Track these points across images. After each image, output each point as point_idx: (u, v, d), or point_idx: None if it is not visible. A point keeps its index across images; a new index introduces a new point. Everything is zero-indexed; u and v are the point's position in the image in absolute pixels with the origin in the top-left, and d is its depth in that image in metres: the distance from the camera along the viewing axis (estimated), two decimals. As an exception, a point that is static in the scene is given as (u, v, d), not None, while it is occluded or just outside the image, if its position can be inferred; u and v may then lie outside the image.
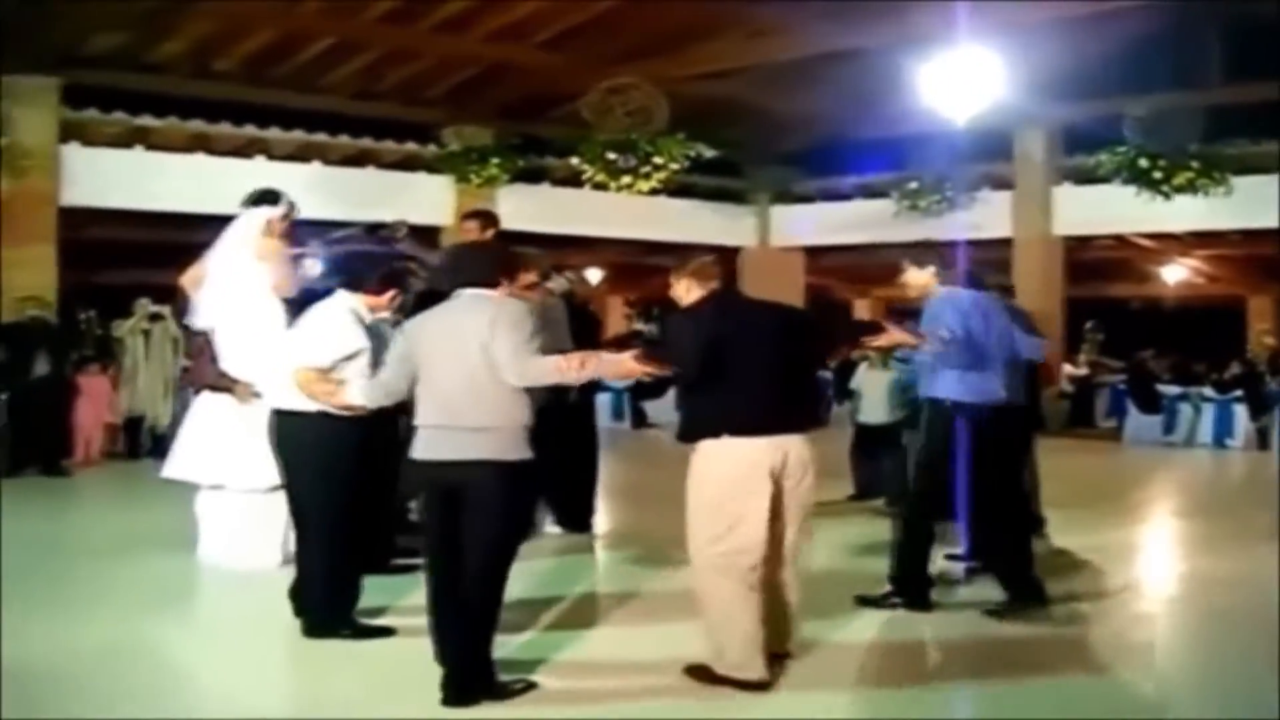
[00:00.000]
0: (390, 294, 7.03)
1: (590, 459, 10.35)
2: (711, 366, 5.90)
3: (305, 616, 6.96)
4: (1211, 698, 6.36)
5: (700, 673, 6.02)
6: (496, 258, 6.22)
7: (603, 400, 18.40)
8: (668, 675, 6.11)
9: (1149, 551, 10.84)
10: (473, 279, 5.87)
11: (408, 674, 6.15)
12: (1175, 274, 26.97)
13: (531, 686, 5.92)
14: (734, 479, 5.92)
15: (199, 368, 9.28)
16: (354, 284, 6.98)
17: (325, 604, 6.92)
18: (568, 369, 5.67)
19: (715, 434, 5.94)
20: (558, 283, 9.88)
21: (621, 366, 5.92)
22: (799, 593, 6.28)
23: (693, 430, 6.09)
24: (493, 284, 5.84)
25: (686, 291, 6.17)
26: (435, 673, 5.74)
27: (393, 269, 7.28)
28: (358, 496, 6.90)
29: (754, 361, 5.95)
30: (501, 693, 5.78)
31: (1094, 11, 14.91)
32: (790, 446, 5.98)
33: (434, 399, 5.75)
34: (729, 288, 6.12)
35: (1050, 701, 6.07)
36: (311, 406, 6.71)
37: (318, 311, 6.96)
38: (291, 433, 6.95)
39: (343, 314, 6.85)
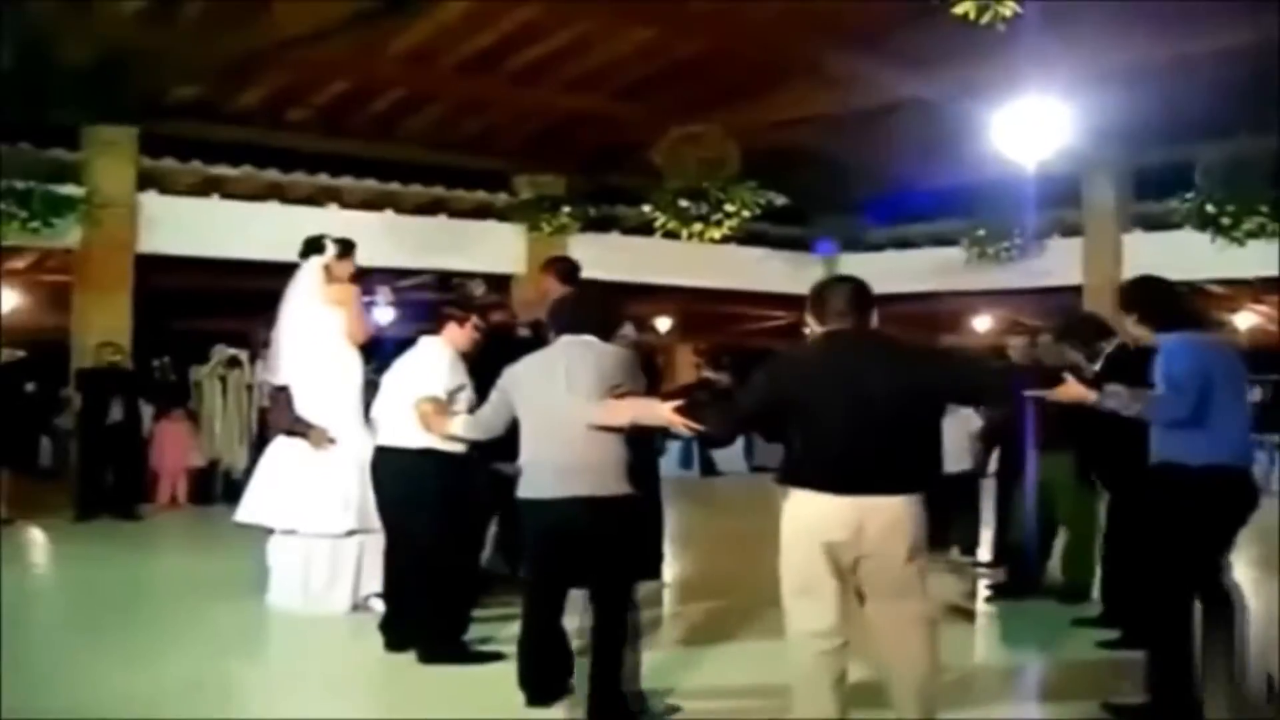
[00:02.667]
0: (470, 324, 7.42)
1: (655, 506, 10.25)
2: (785, 418, 5.28)
3: (418, 647, 7.13)
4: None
5: None
6: (600, 305, 6.38)
7: (671, 448, 18.35)
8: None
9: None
10: (573, 325, 6.06)
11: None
12: (1247, 320, 26.70)
13: (675, 710, 6.08)
14: (795, 540, 5.20)
15: (277, 412, 9.39)
16: (435, 329, 7.40)
17: (439, 635, 7.13)
18: (614, 414, 5.77)
19: (792, 485, 5.23)
20: (628, 331, 9.79)
21: (658, 413, 5.71)
22: None
23: (780, 476, 5.36)
24: (594, 331, 6.01)
25: (811, 327, 5.46)
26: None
27: (458, 299, 7.86)
28: (461, 529, 7.30)
29: (839, 409, 5.11)
30: None
31: (1165, 58, 14.84)
32: (873, 510, 5.05)
33: (531, 438, 5.94)
34: (854, 327, 5.27)
35: None
36: (416, 443, 7.06)
37: (415, 354, 7.36)
38: (399, 469, 7.28)
39: (442, 351, 7.27)
